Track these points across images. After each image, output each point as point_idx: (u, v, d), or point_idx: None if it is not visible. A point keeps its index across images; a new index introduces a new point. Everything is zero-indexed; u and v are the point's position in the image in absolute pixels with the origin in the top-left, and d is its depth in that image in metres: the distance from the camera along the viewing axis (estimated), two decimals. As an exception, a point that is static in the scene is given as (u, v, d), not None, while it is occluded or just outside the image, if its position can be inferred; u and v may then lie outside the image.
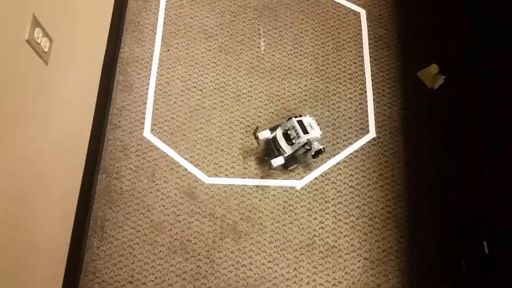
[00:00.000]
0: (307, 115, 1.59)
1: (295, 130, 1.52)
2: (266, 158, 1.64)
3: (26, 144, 1.12)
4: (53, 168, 1.28)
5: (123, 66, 1.77)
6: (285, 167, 1.62)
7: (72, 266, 1.44)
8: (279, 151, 1.56)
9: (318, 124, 1.63)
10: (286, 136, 1.55)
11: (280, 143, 1.55)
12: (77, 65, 1.42)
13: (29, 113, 1.12)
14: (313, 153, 1.57)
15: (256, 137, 1.55)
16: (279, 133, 1.57)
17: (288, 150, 1.55)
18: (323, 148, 1.57)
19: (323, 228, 1.61)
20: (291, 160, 1.59)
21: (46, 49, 1.20)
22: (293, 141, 1.53)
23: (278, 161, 1.53)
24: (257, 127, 1.65)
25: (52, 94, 1.24)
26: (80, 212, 1.47)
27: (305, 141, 1.51)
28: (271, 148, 1.58)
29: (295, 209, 1.63)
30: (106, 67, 1.65)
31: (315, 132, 1.53)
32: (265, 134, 1.54)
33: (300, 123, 1.52)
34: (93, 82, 1.57)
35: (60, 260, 1.38)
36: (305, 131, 1.51)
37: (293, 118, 1.54)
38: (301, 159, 1.66)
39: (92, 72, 1.56)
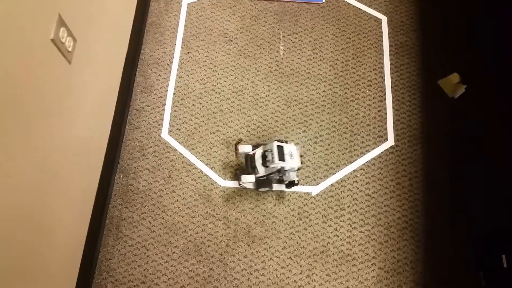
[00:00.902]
0: (293, 143, 1.56)
1: (272, 154, 1.49)
2: (238, 172, 1.61)
3: (47, 141, 1.14)
4: (72, 166, 1.29)
5: (143, 68, 1.79)
6: (256, 187, 1.59)
7: (87, 264, 1.46)
8: (253, 170, 1.53)
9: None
10: (264, 157, 1.52)
11: (256, 162, 1.52)
12: (99, 65, 1.44)
13: (50, 110, 1.13)
14: (286, 182, 1.54)
15: (236, 149, 1.53)
16: (258, 152, 1.54)
17: (261, 171, 1.52)
18: (298, 181, 1.53)
19: (337, 236, 1.59)
20: (264, 182, 1.56)
21: (70, 49, 1.22)
22: (268, 164, 1.50)
23: (247, 178, 1.50)
24: (240, 139, 1.62)
25: (74, 93, 1.26)
26: (97, 211, 1.49)
27: (278, 167, 1.49)
28: (247, 164, 1.56)
29: (309, 215, 1.61)
30: (127, 68, 1.67)
31: (292, 162, 1.49)
32: (245, 149, 1.53)
33: (280, 148, 1.49)
34: (114, 82, 1.59)
35: (75, 257, 1.40)
36: (281, 158, 1.47)
37: (276, 141, 1.51)
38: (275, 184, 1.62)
39: (113, 73, 1.58)
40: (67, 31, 1.18)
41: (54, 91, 1.15)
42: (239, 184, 1.58)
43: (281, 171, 1.51)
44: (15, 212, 1.02)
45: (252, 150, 1.54)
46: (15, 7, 0.94)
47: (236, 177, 1.60)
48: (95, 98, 1.42)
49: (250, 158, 1.55)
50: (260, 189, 1.60)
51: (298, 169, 1.58)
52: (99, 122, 1.49)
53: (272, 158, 1.48)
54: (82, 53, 1.28)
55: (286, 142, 1.55)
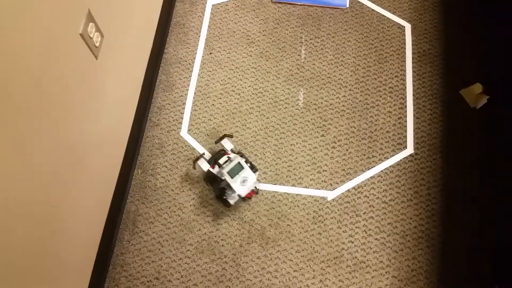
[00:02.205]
0: (256, 175, 1.53)
1: (228, 164, 1.50)
2: (203, 155, 1.59)
3: (71, 132, 1.16)
4: (94, 159, 1.32)
5: (166, 66, 1.82)
6: (205, 178, 1.61)
7: (102, 258, 1.48)
8: (214, 162, 1.54)
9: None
10: (220, 156, 1.54)
11: (220, 159, 1.54)
12: (124, 62, 1.47)
13: (76, 103, 1.16)
14: (223, 197, 1.53)
15: (194, 164, 1.54)
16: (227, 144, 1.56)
17: (215, 169, 1.53)
18: (230, 205, 1.53)
19: (352, 242, 1.58)
20: (212, 179, 1.56)
21: (97, 44, 1.25)
22: (219, 167, 1.52)
23: (202, 165, 1.52)
24: (203, 154, 1.61)
25: (99, 87, 1.29)
26: (115, 205, 1.52)
27: (223, 178, 1.50)
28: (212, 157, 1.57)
29: (324, 220, 1.60)
30: (150, 66, 1.70)
31: (239, 188, 1.48)
32: (203, 166, 1.53)
33: (238, 166, 1.49)
34: (137, 79, 1.62)
35: (91, 250, 1.42)
36: (231, 174, 1.48)
37: (242, 159, 1.51)
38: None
39: (137, 70, 1.61)
40: (95, 26, 1.21)
41: (80, 84, 1.17)
42: (194, 164, 1.57)
43: (229, 185, 1.50)
44: (36, 198, 1.04)
45: (211, 166, 1.54)
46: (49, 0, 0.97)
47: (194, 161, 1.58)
48: (118, 93, 1.45)
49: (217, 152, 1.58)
50: (209, 184, 1.60)
51: (241, 197, 1.55)
52: (121, 117, 1.52)
53: (225, 166, 1.49)
54: (108, 49, 1.31)
55: (253, 168, 1.54)
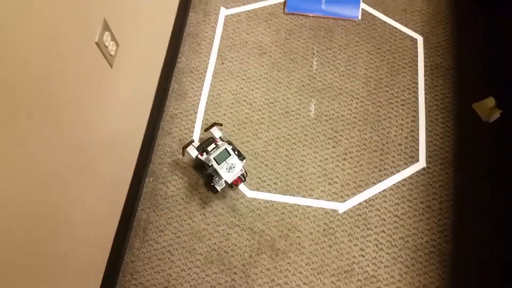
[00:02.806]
0: (243, 163, 1.57)
1: (214, 150, 1.53)
2: (192, 142, 1.61)
3: (84, 138, 1.17)
4: (106, 165, 1.33)
5: (179, 75, 1.83)
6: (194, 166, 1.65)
7: (112, 265, 1.48)
8: (203, 149, 1.57)
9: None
10: (208, 144, 1.57)
11: (208, 146, 1.56)
12: (138, 70, 1.48)
13: (90, 110, 1.17)
14: (211, 184, 1.57)
15: (183, 150, 1.57)
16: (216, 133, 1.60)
17: (204, 156, 1.57)
18: (217, 191, 1.57)
19: (363, 256, 1.56)
20: (200, 166, 1.63)
21: (112, 53, 1.26)
22: (206, 153, 1.55)
23: (191, 152, 1.56)
24: (193, 141, 1.61)
25: (113, 95, 1.30)
26: (126, 212, 1.52)
27: (210, 164, 1.53)
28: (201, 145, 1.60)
29: (335, 232, 1.59)
30: (163, 75, 1.71)
31: (225, 174, 1.50)
32: (192, 153, 1.57)
33: (224, 153, 1.51)
34: (150, 88, 1.63)
35: (102, 257, 1.42)
36: (218, 161, 1.50)
37: (229, 145, 1.53)
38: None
39: (150, 79, 1.62)
40: (111, 35, 1.22)
41: (95, 92, 1.18)
42: (183, 151, 1.60)
43: (216, 171, 1.53)
44: (46, 202, 1.05)
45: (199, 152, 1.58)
46: (67, 8, 0.98)
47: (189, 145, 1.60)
48: (131, 101, 1.46)
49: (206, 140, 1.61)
50: (197, 171, 1.65)
51: (228, 184, 1.59)
52: (134, 125, 1.52)
53: (212, 152, 1.52)
54: (123, 58, 1.33)
55: (240, 156, 1.57)
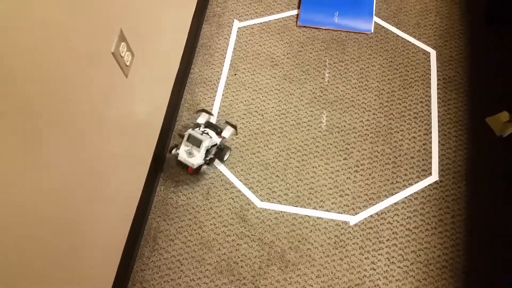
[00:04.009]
0: (209, 137, 1.59)
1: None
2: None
3: (97, 146, 1.18)
4: (119, 174, 1.34)
5: (191, 86, 1.85)
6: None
7: (122, 273, 1.48)
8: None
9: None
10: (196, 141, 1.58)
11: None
12: (152, 80, 1.50)
13: (104, 119, 1.19)
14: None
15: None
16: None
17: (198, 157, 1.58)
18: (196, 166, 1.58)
19: (374, 270, 1.54)
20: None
21: (128, 63, 1.28)
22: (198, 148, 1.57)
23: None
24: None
25: (127, 104, 1.32)
26: (137, 220, 1.52)
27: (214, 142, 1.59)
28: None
29: (346, 245, 1.58)
30: (177, 85, 1.74)
31: (192, 158, 1.55)
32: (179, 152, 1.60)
33: (191, 138, 1.56)
34: (163, 98, 1.65)
35: (112, 265, 1.42)
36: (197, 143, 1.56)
37: (209, 138, 1.57)
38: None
39: (164, 89, 1.64)
40: (126, 45, 1.25)
41: (110, 101, 1.20)
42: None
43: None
44: (59, 213, 1.06)
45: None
46: (86, 19, 1.00)
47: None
48: (145, 112, 1.47)
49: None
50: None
51: (179, 160, 1.62)
52: (147, 135, 1.54)
53: (194, 131, 1.58)
54: (138, 68, 1.35)
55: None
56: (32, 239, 0.93)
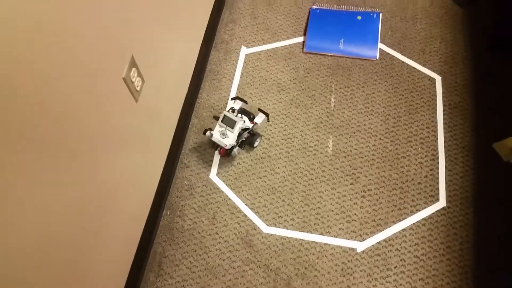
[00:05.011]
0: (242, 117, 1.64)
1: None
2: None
3: (106, 169, 1.19)
4: (126, 196, 1.34)
5: (199, 110, 1.87)
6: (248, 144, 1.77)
7: (127, 298, 1.46)
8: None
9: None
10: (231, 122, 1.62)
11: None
12: (161, 105, 1.52)
13: (114, 143, 1.20)
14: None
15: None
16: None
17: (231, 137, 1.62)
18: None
19: (382, 297, 1.51)
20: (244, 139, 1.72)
21: (138, 88, 1.31)
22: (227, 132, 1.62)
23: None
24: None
25: (136, 129, 1.34)
26: (142, 245, 1.52)
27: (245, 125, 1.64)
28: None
29: (353, 272, 1.55)
30: (185, 110, 1.76)
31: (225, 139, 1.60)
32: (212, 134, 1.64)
33: (225, 119, 1.61)
34: (171, 122, 1.67)
35: (117, 290, 1.41)
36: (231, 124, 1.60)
37: (242, 121, 1.61)
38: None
39: (172, 114, 1.67)
40: (137, 71, 1.28)
41: (119, 125, 1.22)
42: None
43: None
44: (68, 239, 1.06)
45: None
46: (99, 45, 1.03)
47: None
48: (153, 135, 1.49)
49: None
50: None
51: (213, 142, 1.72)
52: (155, 158, 1.55)
53: (230, 114, 1.62)
54: (148, 93, 1.37)
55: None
56: (39, 262, 0.93)
